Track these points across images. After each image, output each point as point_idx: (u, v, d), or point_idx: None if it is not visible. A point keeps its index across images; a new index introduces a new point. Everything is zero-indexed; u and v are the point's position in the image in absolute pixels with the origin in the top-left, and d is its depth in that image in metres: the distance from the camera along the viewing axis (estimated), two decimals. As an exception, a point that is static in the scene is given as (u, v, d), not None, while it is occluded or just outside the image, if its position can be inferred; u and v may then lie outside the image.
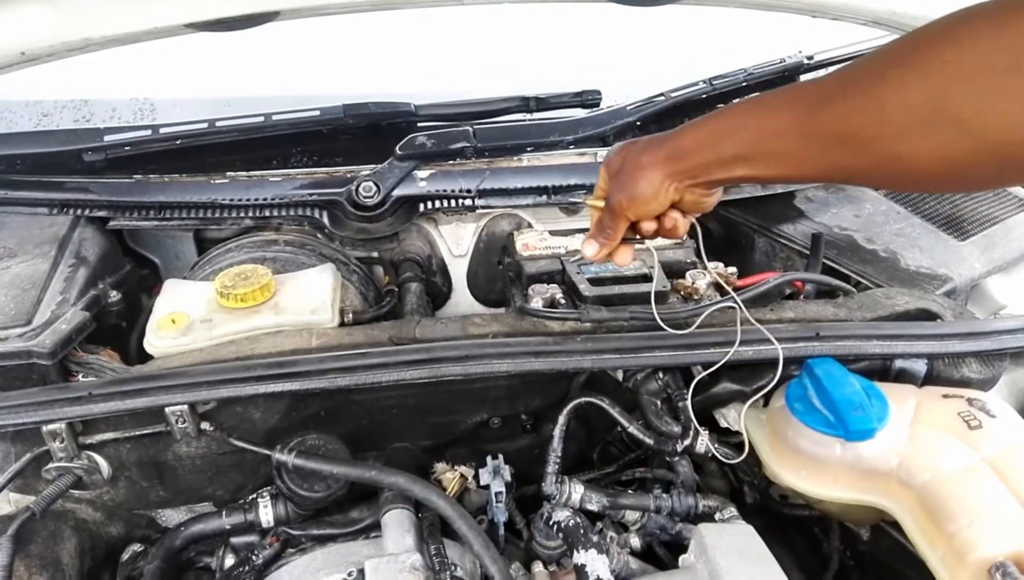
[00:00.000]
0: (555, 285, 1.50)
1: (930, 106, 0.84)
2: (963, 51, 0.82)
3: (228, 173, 1.66)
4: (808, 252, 1.64)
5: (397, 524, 1.21)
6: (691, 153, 1.03)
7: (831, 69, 1.98)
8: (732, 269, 1.55)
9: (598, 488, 1.37)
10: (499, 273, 1.78)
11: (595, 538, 1.23)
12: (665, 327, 1.34)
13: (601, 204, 1.15)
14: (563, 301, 1.47)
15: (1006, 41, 0.80)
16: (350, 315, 1.48)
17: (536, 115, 1.79)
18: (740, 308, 1.34)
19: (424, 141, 1.65)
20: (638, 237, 1.16)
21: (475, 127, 1.69)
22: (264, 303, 1.43)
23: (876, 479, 1.21)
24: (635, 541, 1.37)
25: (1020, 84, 0.79)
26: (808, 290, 1.58)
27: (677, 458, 1.39)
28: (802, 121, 0.93)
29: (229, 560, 1.33)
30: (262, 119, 1.69)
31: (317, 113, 1.71)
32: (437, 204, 1.67)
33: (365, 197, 1.62)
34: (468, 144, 1.66)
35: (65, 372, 1.32)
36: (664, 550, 1.40)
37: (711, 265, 1.54)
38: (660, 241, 1.64)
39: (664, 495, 1.37)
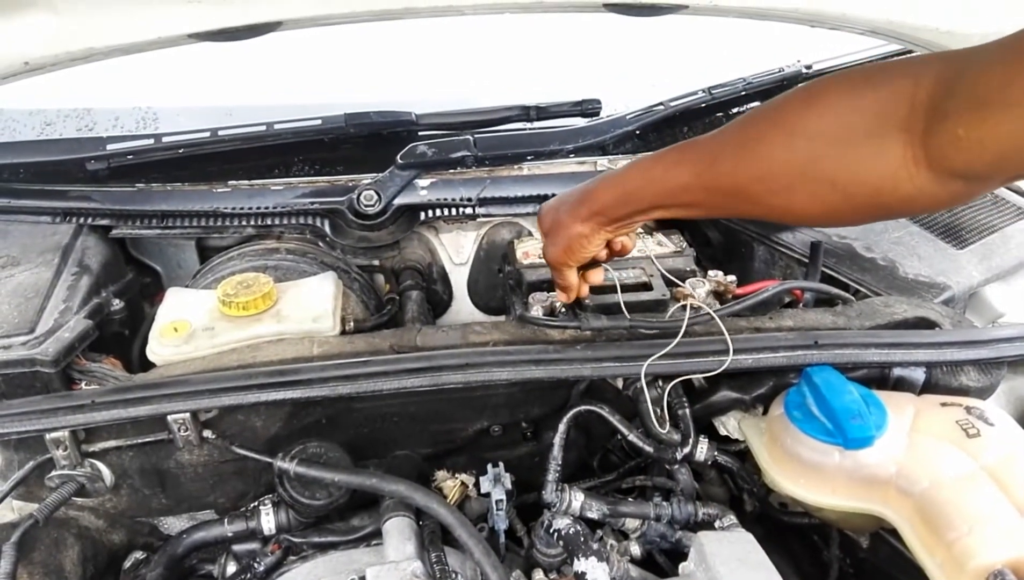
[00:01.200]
0: (555, 293, 1.51)
1: (803, 167, 0.92)
2: (824, 120, 0.91)
3: (230, 182, 1.67)
4: (807, 260, 1.65)
5: (398, 532, 1.22)
6: (609, 209, 1.16)
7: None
8: (731, 277, 1.55)
9: (598, 496, 1.38)
10: (499, 281, 1.78)
11: (595, 546, 1.24)
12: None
13: None
14: (563, 309, 1.48)
15: (861, 108, 0.87)
16: (351, 323, 1.49)
17: (536, 124, 1.80)
18: (716, 319, 1.37)
19: (425, 150, 1.66)
20: (602, 262, 1.31)
21: (476, 136, 1.70)
22: (266, 311, 1.43)
23: (875, 487, 1.21)
24: (635, 549, 1.37)
25: (879, 145, 0.85)
26: (807, 298, 1.58)
27: (677, 466, 1.40)
28: (700, 176, 1.04)
29: (231, 568, 1.33)
30: (264, 128, 1.70)
31: (319, 122, 1.73)
32: (438, 212, 1.68)
33: (366, 206, 1.63)
34: (469, 153, 1.68)
35: (68, 380, 1.32)
36: (664, 558, 1.40)
37: (710, 273, 1.54)
38: (659, 249, 1.65)
39: (664, 503, 1.37)
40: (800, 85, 1.05)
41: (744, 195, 1.00)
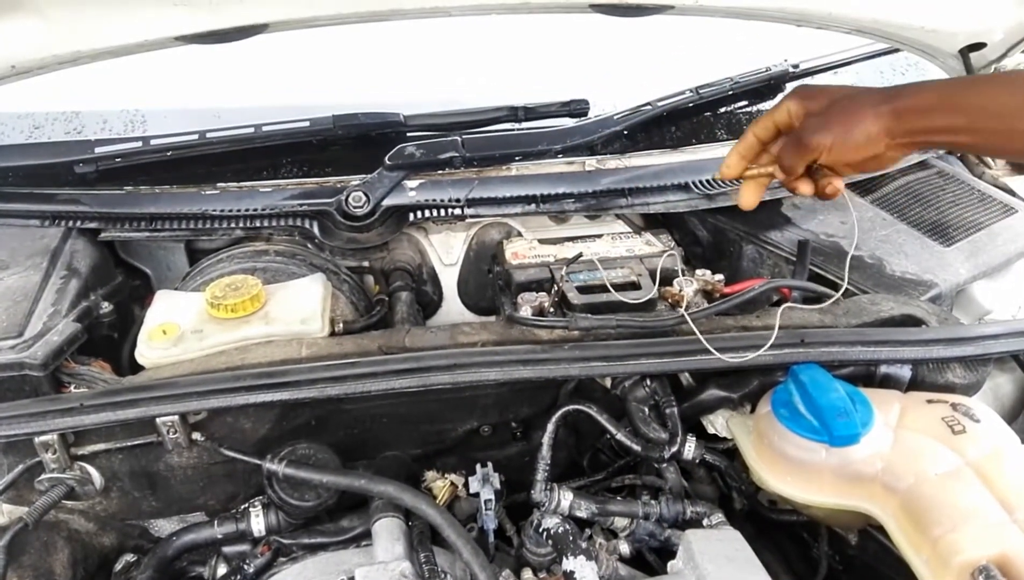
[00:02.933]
0: (544, 293, 1.51)
1: None
2: None
3: (219, 184, 1.66)
4: (795, 259, 1.65)
5: (387, 532, 1.22)
6: (923, 114, 1.04)
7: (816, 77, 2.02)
8: (719, 276, 1.56)
9: (587, 495, 1.38)
10: (489, 282, 1.79)
11: (584, 545, 1.24)
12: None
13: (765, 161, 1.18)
14: (552, 309, 1.48)
15: None
16: (340, 325, 1.49)
17: (524, 125, 1.80)
18: (689, 322, 1.36)
19: (413, 151, 1.66)
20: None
21: (464, 137, 1.70)
22: (254, 313, 1.43)
23: (861, 484, 1.22)
24: (624, 547, 1.37)
25: None
26: (794, 297, 1.59)
27: (665, 465, 1.40)
28: None
29: (221, 569, 1.34)
30: (252, 130, 1.70)
31: (307, 124, 1.72)
32: (427, 213, 1.67)
33: (355, 207, 1.63)
34: (457, 154, 1.67)
35: (57, 383, 1.32)
36: (653, 556, 1.41)
37: (698, 272, 1.55)
38: (647, 249, 1.66)
39: (652, 502, 1.37)
40: None
41: None
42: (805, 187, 1.16)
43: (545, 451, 1.36)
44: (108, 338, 1.55)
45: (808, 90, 1.14)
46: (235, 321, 1.42)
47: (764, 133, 1.19)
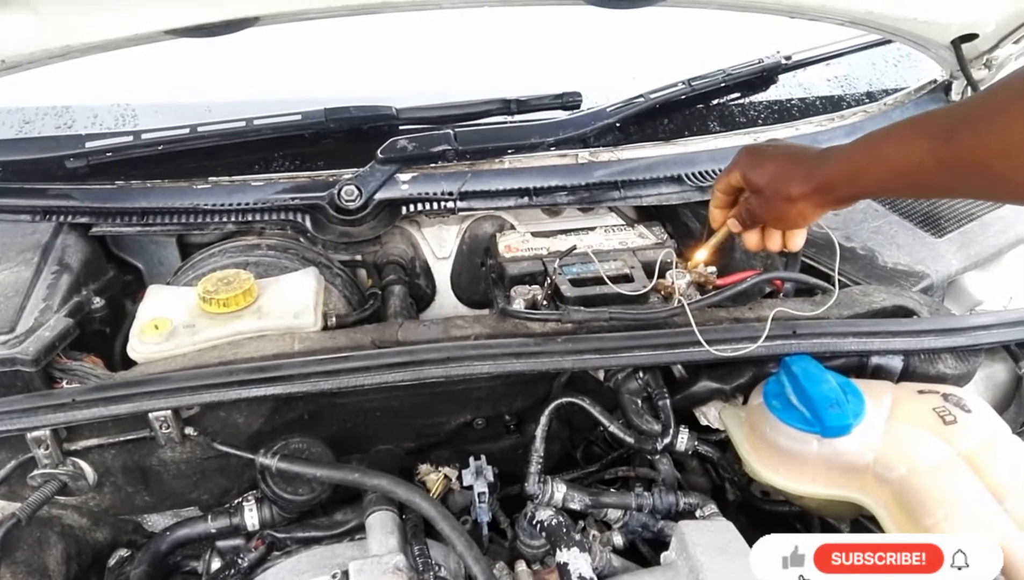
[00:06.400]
0: (537, 286, 1.51)
1: None
2: None
3: (210, 178, 1.66)
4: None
5: (381, 526, 1.22)
6: (838, 187, 1.13)
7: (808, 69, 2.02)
8: (712, 268, 1.56)
9: (581, 487, 1.38)
10: (482, 275, 1.79)
11: (578, 537, 1.25)
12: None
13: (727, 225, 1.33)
14: (545, 302, 1.48)
15: None
16: (333, 318, 1.49)
17: (517, 117, 1.79)
18: (688, 314, 1.36)
19: (405, 144, 1.65)
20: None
21: (456, 130, 1.69)
22: (247, 308, 1.43)
23: (853, 475, 1.23)
24: (617, 539, 1.38)
25: None
26: (787, 288, 1.59)
27: (658, 456, 1.41)
28: (936, 152, 0.97)
29: (215, 564, 1.34)
30: (244, 124, 1.69)
31: (299, 117, 1.72)
32: (419, 207, 1.67)
33: (347, 201, 1.62)
34: (449, 147, 1.67)
35: (49, 379, 1.32)
36: (647, 547, 1.41)
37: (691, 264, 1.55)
38: (640, 241, 1.66)
39: (646, 493, 1.38)
40: None
41: (984, 173, 0.93)
42: (753, 238, 1.31)
43: (538, 444, 1.37)
44: (100, 333, 1.54)
45: (752, 159, 1.24)
46: (227, 316, 1.42)
47: (726, 189, 1.30)
